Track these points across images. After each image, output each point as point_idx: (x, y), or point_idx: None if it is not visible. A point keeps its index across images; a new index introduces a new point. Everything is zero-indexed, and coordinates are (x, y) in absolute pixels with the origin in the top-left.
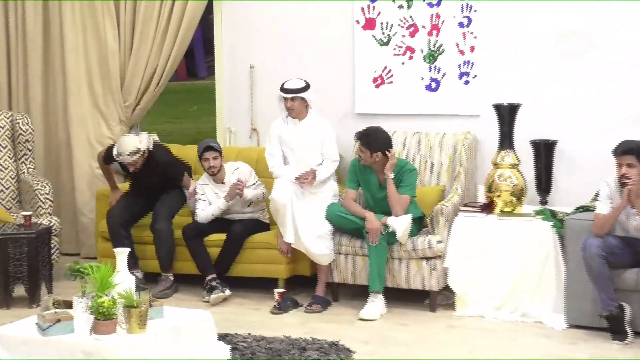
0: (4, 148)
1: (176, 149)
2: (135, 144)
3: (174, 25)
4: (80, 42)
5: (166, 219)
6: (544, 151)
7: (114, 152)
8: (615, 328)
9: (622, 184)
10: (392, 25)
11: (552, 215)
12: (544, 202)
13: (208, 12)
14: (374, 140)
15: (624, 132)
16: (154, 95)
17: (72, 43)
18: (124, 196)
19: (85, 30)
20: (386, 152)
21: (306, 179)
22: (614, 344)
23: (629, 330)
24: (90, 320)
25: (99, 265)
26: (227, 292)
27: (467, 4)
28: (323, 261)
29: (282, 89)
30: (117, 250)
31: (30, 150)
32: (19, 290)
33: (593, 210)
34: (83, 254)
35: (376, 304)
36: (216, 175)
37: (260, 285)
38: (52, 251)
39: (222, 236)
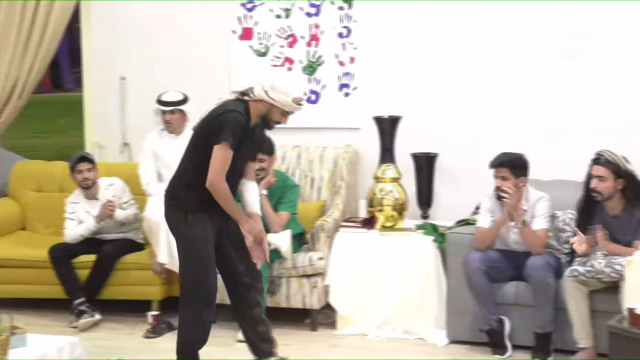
0: None
1: (42, 165)
2: None
3: (36, 34)
4: None
5: None
6: (425, 164)
7: (291, 98)
8: (495, 342)
9: (498, 197)
10: (270, 36)
11: (434, 230)
12: (425, 216)
13: (75, 20)
14: (270, 144)
15: (503, 145)
16: (15, 108)
17: None
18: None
19: None
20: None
21: None
22: (494, 359)
23: (508, 344)
24: None
25: None
26: (97, 316)
27: (347, 14)
28: None
29: (161, 102)
30: None
31: None
32: None
33: (474, 224)
34: None
35: None
36: (89, 190)
37: (133, 309)
38: None
39: (92, 257)
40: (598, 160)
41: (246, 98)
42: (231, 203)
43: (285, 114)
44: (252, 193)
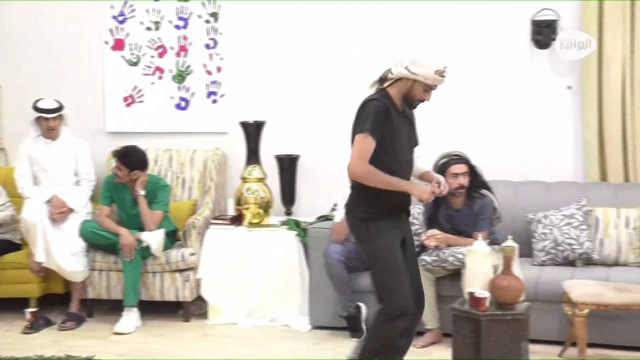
0: None
1: None
2: None
3: None
4: None
5: None
6: (288, 165)
7: (433, 70)
8: (353, 327)
9: None
10: (141, 46)
11: (297, 225)
12: (289, 213)
13: None
14: (133, 159)
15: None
16: None
17: None
18: None
19: None
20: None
21: None
22: (352, 342)
23: (364, 328)
24: None
25: None
26: None
27: (213, 27)
28: (76, 278)
29: (43, 110)
30: None
31: None
32: None
33: (332, 219)
34: None
35: (131, 317)
36: None
37: (12, 306)
38: None
39: None
40: (459, 158)
41: (385, 84)
42: (386, 179)
43: (428, 89)
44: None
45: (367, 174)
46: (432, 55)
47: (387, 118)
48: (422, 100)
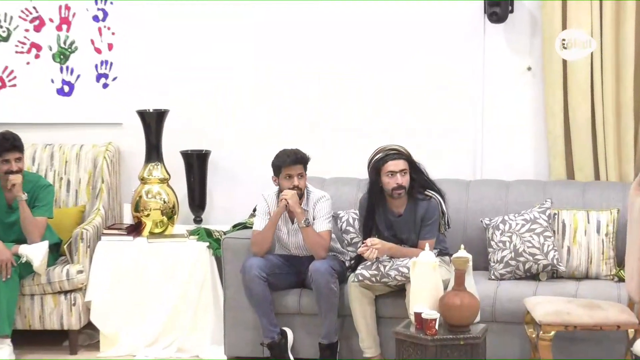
0: None
1: None
2: None
3: None
4: None
5: None
6: (197, 163)
7: None
8: (277, 356)
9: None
10: (12, 17)
11: (208, 235)
12: (198, 220)
13: None
14: (20, 142)
15: (280, 142)
16: None
17: None
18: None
19: None
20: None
21: None
22: None
23: (291, 357)
24: None
25: None
26: None
27: None
28: None
29: None
30: None
31: None
32: None
33: (252, 228)
34: None
35: (3, 351)
36: None
37: None
38: None
39: None
40: (397, 153)
41: None
42: None
43: None
44: None
45: None
46: (368, 35)
47: None
48: None
